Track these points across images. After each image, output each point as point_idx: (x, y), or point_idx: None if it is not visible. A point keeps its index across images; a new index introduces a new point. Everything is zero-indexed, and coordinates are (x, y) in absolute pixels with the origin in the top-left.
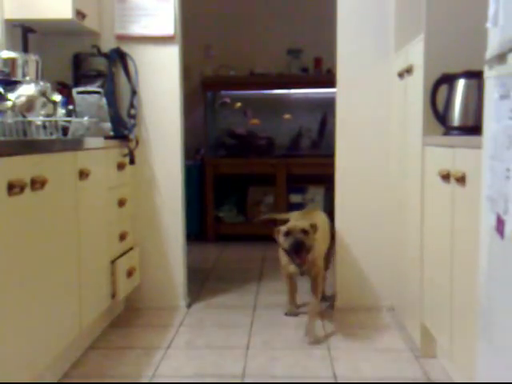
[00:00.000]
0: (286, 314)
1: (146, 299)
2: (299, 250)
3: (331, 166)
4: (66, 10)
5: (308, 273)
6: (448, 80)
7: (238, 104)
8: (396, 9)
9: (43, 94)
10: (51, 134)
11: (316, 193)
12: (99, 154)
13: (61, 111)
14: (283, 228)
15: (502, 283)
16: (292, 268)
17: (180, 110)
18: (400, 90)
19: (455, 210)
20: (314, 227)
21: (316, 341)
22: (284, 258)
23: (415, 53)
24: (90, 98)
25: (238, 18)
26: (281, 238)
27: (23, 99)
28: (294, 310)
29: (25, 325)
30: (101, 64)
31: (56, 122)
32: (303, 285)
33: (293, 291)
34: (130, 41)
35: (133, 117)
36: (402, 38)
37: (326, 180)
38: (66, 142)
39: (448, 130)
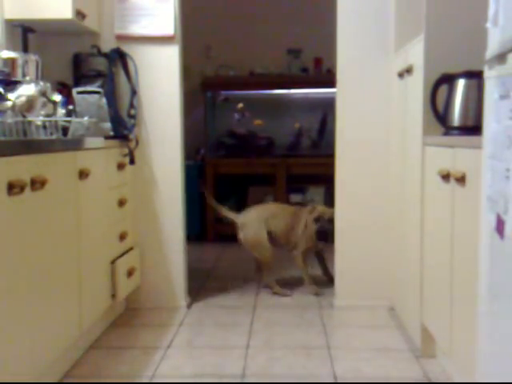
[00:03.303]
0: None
1: (146, 299)
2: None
3: (331, 165)
4: (66, 9)
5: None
6: (448, 80)
7: (240, 105)
8: (396, 9)
9: (43, 93)
10: (51, 134)
11: (316, 193)
12: (99, 154)
13: (61, 111)
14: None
15: (502, 283)
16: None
17: (180, 109)
18: (400, 89)
19: (455, 209)
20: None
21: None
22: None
23: (415, 53)
24: (89, 98)
25: (238, 18)
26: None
27: (23, 99)
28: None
29: (25, 325)
30: (101, 64)
31: (56, 121)
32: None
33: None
34: (130, 41)
35: (133, 117)
36: (402, 38)
37: (326, 180)
38: (66, 142)
39: (448, 129)
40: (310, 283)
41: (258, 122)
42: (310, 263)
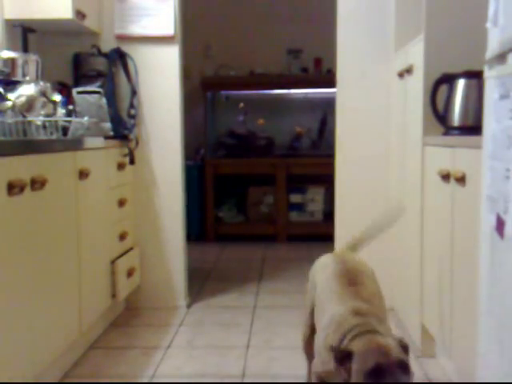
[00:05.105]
0: None
1: (146, 299)
2: None
3: (331, 165)
4: (66, 9)
5: None
6: (448, 80)
7: (241, 105)
8: (396, 9)
9: (43, 93)
10: (51, 133)
11: (316, 193)
12: (99, 154)
13: (61, 111)
14: (368, 361)
15: (502, 283)
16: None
17: (180, 110)
18: (400, 89)
19: (455, 209)
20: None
21: None
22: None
23: (415, 53)
24: (90, 98)
25: (238, 18)
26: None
27: (23, 99)
28: None
29: (25, 325)
30: (101, 64)
31: (56, 121)
32: None
33: None
34: (130, 41)
35: (133, 117)
36: (402, 38)
37: (326, 180)
38: (65, 141)
39: (448, 129)
40: None
41: (260, 121)
42: None
